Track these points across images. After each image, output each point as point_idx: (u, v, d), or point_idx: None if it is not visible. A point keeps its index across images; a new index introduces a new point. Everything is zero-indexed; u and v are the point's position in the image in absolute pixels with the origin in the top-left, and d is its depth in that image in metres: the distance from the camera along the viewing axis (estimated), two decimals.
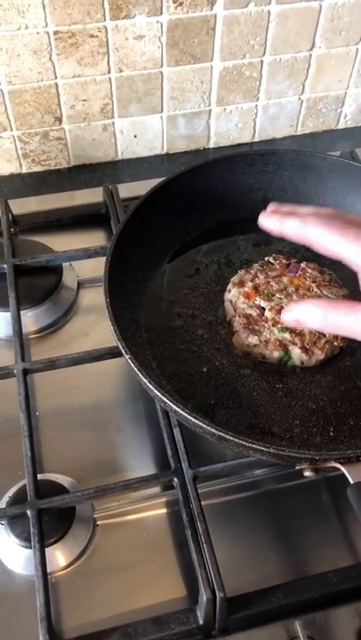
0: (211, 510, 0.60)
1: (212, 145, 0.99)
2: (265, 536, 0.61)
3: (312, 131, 1.02)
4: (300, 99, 0.96)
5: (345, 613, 0.54)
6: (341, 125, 1.03)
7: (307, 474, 0.54)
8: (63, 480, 0.63)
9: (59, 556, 0.59)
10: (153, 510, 0.63)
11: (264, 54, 0.89)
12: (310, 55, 0.91)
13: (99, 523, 0.62)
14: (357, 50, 0.92)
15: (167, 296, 0.73)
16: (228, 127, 0.97)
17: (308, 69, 0.93)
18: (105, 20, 0.79)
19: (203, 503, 0.58)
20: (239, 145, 1.00)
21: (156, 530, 0.61)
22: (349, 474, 0.51)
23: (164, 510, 0.63)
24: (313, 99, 0.97)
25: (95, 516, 0.62)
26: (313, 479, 0.62)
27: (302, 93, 0.96)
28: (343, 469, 0.52)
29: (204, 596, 0.52)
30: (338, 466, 0.52)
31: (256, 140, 1.00)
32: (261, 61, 0.89)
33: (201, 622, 0.53)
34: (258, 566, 0.59)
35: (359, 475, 0.51)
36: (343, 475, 0.52)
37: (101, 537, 0.61)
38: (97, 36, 0.81)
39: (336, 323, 0.50)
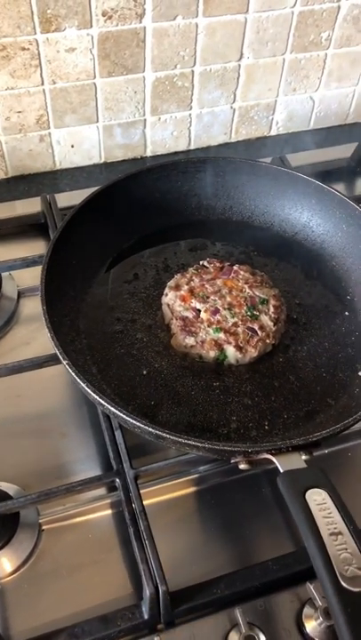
0: (155, 508, 0.62)
1: (149, 153, 1.01)
2: (209, 530, 0.63)
3: (246, 138, 1.05)
4: (232, 107, 1.00)
5: (284, 598, 0.57)
6: (274, 132, 1.06)
7: (242, 466, 0.56)
8: (8, 487, 0.63)
9: (4, 562, 0.59)
10: (98, 512, 0.64)
11: (195, 65, 0.91)
12: (239, 65, 0.94)
13: (44, 527, 0.62)
14: (284, 60, 0.96)
15: (107, 302, 0.75)
16: (164, 136, 0.99)
17: (238, 79, 0.96)
18: (35, 33, 0.81)
19: (147, 502, 0.60)
20: (176, 153, 1.02)
21: (102, 531, 0.62)
22: (280, 464, 0.53)
23: (109, 511, 0.64)
24: (245, 107, 1.00)
25: (40, 520, 0.62)
26: (253, 473, 0.64)
27: (234, 102, 0.99)
28: (274, 460, 0.54)
29: (147, 591, 0.54)
30: (269, 457, 0.54)
31: (192, 147, 1.03)
32: (192, 71, 0.92)
33: (146, 617, 0.55)
34: (202, 560, 0.61)
35: (288, 464, 0.53)
36: None
37: (47, 541, 0.61)
38: (28, 49, 0.82)
39: None
